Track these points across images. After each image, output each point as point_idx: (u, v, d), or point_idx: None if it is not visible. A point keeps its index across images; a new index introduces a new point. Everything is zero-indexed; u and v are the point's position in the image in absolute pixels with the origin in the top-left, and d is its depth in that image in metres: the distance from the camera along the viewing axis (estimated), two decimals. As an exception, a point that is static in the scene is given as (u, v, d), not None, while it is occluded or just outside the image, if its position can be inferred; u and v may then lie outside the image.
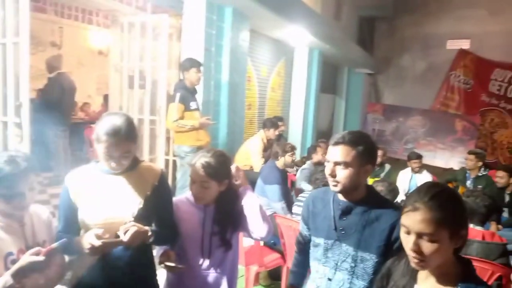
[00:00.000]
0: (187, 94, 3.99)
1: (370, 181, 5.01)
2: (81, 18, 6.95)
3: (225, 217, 1.82)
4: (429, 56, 11.64)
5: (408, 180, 5.34)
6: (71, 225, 1.65)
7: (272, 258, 3.34)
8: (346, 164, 1.55)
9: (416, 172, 5.30)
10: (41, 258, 1.42)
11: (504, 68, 9.03)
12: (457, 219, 1.15)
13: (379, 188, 3.03)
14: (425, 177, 5.24)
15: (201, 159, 1.80)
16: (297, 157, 7.56)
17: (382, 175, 5.27)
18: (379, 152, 5.25)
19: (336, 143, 1.58)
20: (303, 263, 1.91)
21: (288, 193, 4.00)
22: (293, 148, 4.15)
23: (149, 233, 1.61)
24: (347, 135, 1.59)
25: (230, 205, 1.85)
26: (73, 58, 8.07)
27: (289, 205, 3.82)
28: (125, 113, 1.79)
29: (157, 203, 1.70)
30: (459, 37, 11.08)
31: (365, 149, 1.57)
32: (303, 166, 4.91)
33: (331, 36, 7.86)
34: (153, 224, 1.71)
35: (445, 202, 1.14)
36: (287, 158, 4.07)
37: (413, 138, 9.43)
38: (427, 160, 8.57)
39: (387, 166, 5.42)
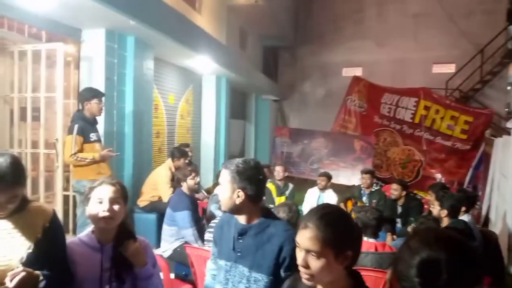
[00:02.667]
0: (86, 125, 3.80)
1: (277, 199, 5.25)
2: (-38, 44, 6.30)
3: (124, 258, 1.74)
4: (327, 83, 12.68)
5: (316, 198, 5.64)
6: None
7: (183, 290, 3.26)
8: (222, 186, 1.72)
9: (322, 190, 5.61)
10: None
11: (391, 92, 10.08)
12: (343, 240, 1.22)
13: (281, 214, 3.12)
14: (330, 195, 5.58)
15: (107, 180, 1.77)
16: (210, 182, 7.57)
17: (287, 192, 5.49)
18: (279, 168, 5.49)
19: (223, 166, 1.75)
20: None
21: (199, 221, 3.97)
22: (193, 171, 4.07)
23: (40, 278, 1.51)
24: (230, 161, 1.74)
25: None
26: (-46, 88, 7.23)
27: (200, 232, 3.78)
28: (11, 152, 1.66)
29: (49, 246, 1.60)
30: (353, 65, 12.28)
31: (240, 175, 1.69)
32: (214, 192, 4.92)
33: (236, 65, 8.15)
34: (45, 268, 1.59)
35: (332, 223, 1.22)
36: (189, 181, 4.01)
37: (317, 159, 10.00)
38: (332, 179, 9.19)
39: (291, 185, 5.67)
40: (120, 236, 1.78)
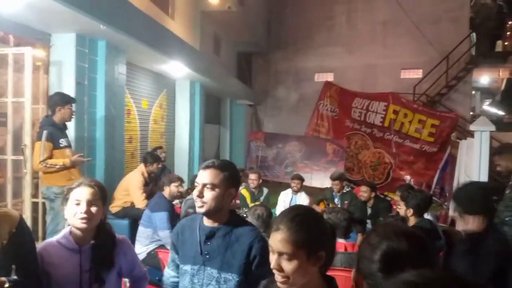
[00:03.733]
0: (55, 131, 3.75)
1: (251, 205, 5.28)
2: None
3: (104, 258, 1.78)
4: (300, 88, 12.88)
5: (289, 200, 5.72)
6: None
7: (156, 295, 3.25)
8: (214, 186, 1.68)
9: (295, 192, 5.70)
10: None
11: (362, 97, 10.36)
12: (314, 241, 1.22)
13: (258, 211, 3.19)
14: (303, 197, 5.68)
15: (85, 182, 1.80)
16: (184, 187, 7.53)
17: (261, 198, 5.54)
18: (254, 176, 5.55)
19: (207, 167, 1.71)
20: None
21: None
22: (179, 179, 4.21)
23: (6, 285, 1.50)
24: (216, 161, 1.74)
25: (108, 246, 1.83)
26: None
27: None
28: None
29: (17, 252, 1.59)
30: (325, 70, 12.53)
31: (231, 174, 1.73)
32: (187, 197, 4.92)
33: (210, 70, 8.18)
34: (13, 274, 1.57)
35: (303, 224, 1.21)
36: (173, 188, 4.11)
37: (292, 162, 10.12)
38: (306, 181, 9.27)
39: (265, 190, 5.73)
40: (99, 236, 1.81)
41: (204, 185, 1.68)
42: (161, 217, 3.80)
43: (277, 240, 1.20)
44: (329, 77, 11.98)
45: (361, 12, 12.44)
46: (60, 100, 3.84)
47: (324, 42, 12.58)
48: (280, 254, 1.20)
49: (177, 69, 6.78)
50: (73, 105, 3.95)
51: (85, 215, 1.73)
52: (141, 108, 6.78)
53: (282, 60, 13.04)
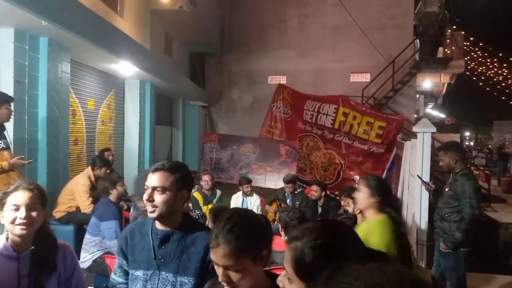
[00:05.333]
0: (-9, 131, 3.51)
1: (204, 208, 5.23)
2: None
3: (44, 263, 1.70)
4: (254, 90, 12.97)
5: (240, 203, 5.71)
6: None
7: (102, 303, 3.13)
8: (164, 189, 1.62)
9: (247, 195, 5.71)
10: None
11: (313, 99, 10.59)
12: (255, 244, 1.23)
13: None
14: (255, 199, 5.71)
15: (23, 185, 1.69)
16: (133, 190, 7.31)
17: (215, 201, 5.50)
18: (207, 177, 5.50)
19: (156, 170, 1.65)
20: None
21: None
22: (120, 177, 4.11)
23: None
24: (166, 163, 1.68)
25: (49, 250, 1.74)
26: None
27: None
28: None
29: None
30: (277, 73, 12.70)
31: (182, 176, 1.68)
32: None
33: (160, 70, 8.01)
34: None
35: (243, 232, 1.21)
36: (119, 188, 3.97)
37: (246, 164, 10.15)
38: (260, 183, 9.37)
39: (218, 192, 5.69)
40: (39, 241, 1.72)
41: (154, 189, 1.63)
42: (110, 226, 3.64)
43: (220, 256, 1.20)
44: (282, 80, 12.14)
45: (312, 17, 12.73)
46: None
47: (276, 45, 12.76)
48: (226, 267, 1.20)
49: (125, 68, 6.57)
50: (12, 104, 3.70)
51: (25, 221, 1.64)
52: (87, 108, 6.50)
53: (235, 61, 13.06)
